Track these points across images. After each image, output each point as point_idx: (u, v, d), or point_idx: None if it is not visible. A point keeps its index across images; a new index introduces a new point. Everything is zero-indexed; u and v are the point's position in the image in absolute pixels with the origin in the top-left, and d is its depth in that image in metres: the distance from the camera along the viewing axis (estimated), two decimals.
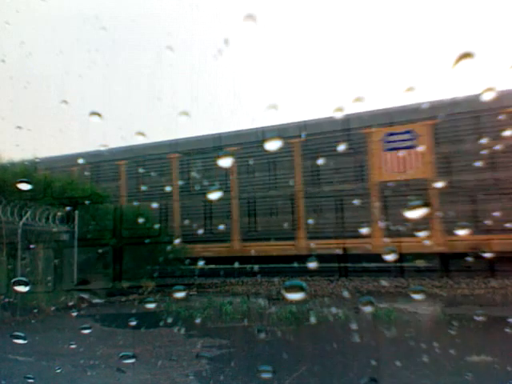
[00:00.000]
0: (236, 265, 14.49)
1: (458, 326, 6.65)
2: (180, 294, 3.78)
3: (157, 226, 13.89)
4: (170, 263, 13.35)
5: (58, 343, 6.38)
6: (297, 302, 7.97)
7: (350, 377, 4.40)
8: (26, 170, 12.39)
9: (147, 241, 12.64)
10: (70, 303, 9.52)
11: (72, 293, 10.12)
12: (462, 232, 10.68)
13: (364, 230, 12.93)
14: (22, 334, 3.03)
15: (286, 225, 14.30)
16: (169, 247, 12.72)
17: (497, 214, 11.30)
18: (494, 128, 11.96)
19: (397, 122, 13.42)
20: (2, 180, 10.28)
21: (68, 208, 11.03)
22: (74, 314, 8.77)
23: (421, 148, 13.13)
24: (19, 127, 7.04)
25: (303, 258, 10.85)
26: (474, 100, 10.37)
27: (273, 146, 2.11)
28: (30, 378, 3.91)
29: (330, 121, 13.04)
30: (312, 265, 2.75)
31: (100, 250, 11.44)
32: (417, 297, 2.48)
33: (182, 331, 7.02)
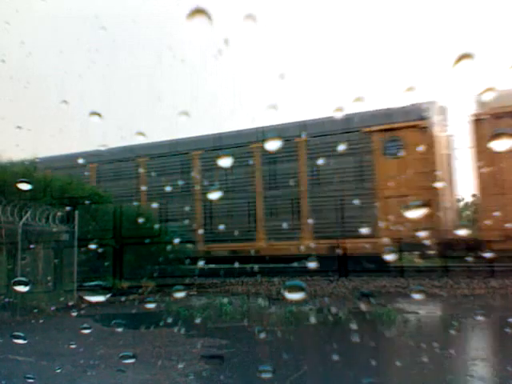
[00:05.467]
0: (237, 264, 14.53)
1: (458, 325, 6.65)
2: (180, 294, 3.78)
3: (156, 226, 13.90)
4: (170, 263, 13.36)
5: (58, 343, 6.38)
6: (297, 302, 7.97)
7: (350, 377, 4.40)
8: (26, 170, 12.40)
9: (147, 241, 12.65)
10: (70, 303, 9.51)
11: (72, 293, 10.12)
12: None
13: None
14: (21, 334, 3.03)
15: None
16: (169, 247, 12.73)
17: None
18: None
19: None
20: (2, 180, 10.28)
21: (68, 208, 11.02)
22: (74, 314, 8.77)
23: None
24: (19, 127, 7.04)
25: None
26: None
27: None
28: (30, 378, 3.91)
29: None
30: (312, 265, 2.74)
31: (100, 250, 11.44)
32: (417, 297, 2.47)
33: (182, 331, 7.01)
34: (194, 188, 16.77)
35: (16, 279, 5.91)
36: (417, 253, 13.86)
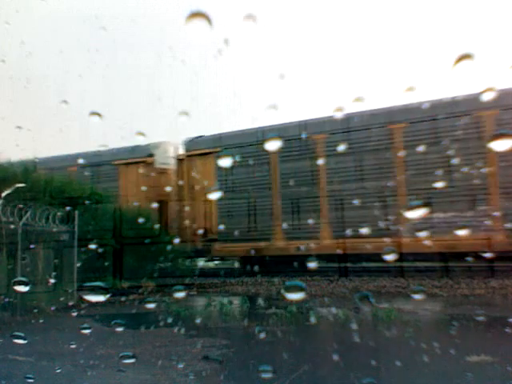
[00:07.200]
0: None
1: (458, 325, 6.65)
2: (180, 294, 3.79)
3: (157, 226, 13.91)
4: (170, 263, 13.36)
5: (58, 343, 6.37)
6: (297, 302, 7.97)
7: (350, 377, 4.40)
8: (26, 170, 12.41)
9: (147, 241, 12.65)
10: (70, 303, 9.51)
11: (72, 293, 10.12)
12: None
13: None
14: (21, 334, 3.03)
15: None
16: (169, 247, 12.73)
17: None
18: None
19: None
20: (2, 180, 10.28)
21: (68, 208, 11.03)
22: (74, 314, 8.77)
23: None
24: (19, 127, 7.04)
25: None
26: None
27: None
28: (29, 378, 3.91)
29: None
30: (312, 265, 2.75)
31: (100, 250, 11.44)
32: (417, 297, 2.48)
33: (182, 331, 7.01)
34: None
35: (16, 279, 5.92)
36: None
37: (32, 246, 9.70)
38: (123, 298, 10.43)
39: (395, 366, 4.53)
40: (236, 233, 14.31)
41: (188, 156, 16.23)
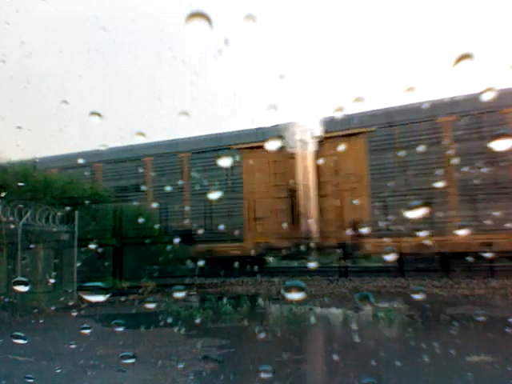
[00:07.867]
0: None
1: (458, 325, 6.65)
2: (180, 294, 3.78)
3: (156, 226, 13.90)
4: (170, 263, 13.36)
5: (58, 343, 6.37)
6: (297, 302, 7.97)
7: (350, 377, 4.40)
8: (26, 170, 12.41)
9: (147, 241, 12.64)
10: (70, 303, 9.51)
11: (72, 293, 10.11)
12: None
13: None
14: (21, 334, 3.02)
15: None
16: (169, 247, 12.73)
17: None
18: None
19: None
20: (2, 180, 10.29)
21: (68, 208, 11.03)
22: (74, 314, 8.76)
23: None
24: (19, 127, 7.03)
25: None
26: None
27: None
28: (29, 378, 3.91)
29: None
30: (312, 265, 2.75)
31: (100, 250, 11.44)
32: (417, 297, 2.48)
33: (182, 331, 7.01)
34: None
35: (16, 279, 5.91)
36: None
37: (32, 246, 9.70)
38: (123, 298, 10.43)
39: (395, 366, 4.53)
40: (394, 226, 12.34)
41: (329, 138, 13.90)
